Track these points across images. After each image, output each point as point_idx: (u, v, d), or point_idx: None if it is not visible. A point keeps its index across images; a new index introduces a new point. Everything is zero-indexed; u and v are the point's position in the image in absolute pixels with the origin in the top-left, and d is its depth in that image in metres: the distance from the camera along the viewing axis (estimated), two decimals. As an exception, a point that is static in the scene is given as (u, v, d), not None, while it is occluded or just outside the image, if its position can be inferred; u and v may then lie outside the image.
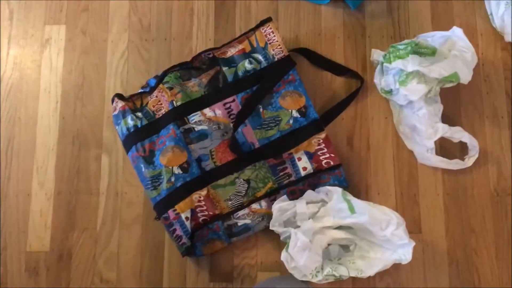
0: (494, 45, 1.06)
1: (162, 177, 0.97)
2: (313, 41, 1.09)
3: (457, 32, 0.97)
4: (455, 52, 0.95)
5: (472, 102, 1.04)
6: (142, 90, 1.02)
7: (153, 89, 1.01)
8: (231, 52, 1.02)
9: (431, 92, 0.97)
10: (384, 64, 0.99)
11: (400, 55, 0.95)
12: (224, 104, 1.00)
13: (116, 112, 1.00)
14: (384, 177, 1.02)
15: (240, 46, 1.02)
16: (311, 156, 0.99)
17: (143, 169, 0.98)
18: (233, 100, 1.00)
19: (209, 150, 0.98)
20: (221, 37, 1.10)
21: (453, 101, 1.03)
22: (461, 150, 1.01)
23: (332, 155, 0.99)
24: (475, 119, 1.03)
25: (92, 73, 1.10)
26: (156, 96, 1.00)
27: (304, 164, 0.99)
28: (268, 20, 1.03)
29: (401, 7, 1.08)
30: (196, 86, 1.01)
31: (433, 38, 1.00)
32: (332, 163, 0.99)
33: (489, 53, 1.06)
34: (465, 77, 0.94)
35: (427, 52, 0.96)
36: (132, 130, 0.99)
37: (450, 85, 0.97)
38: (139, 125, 0.99)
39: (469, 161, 0.99)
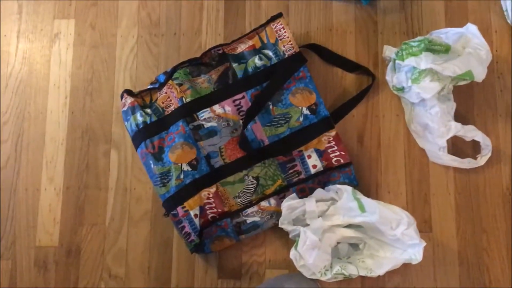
0: (509, 42, 1.04)
1: (171, 174, 0.96)
2: (324, 36, 1.08)
3: (471, 29, 0.95)
4: (469, 50, 0.93)
5: (486, 100, 1.02)
6: (151, 86, 1.01)
7: (162, 85, 1.00)
8: (241, 48, 1.01)
9: (444, 90, 0.96)
10: (397, 61, 0.97)
11: (413, 52, 0.93)
12: (234, 101, 0.99)
13: (125, 108, 1.00)
14: (394, 176, 1.01)
15: (250, 42, 1.01)
16: (321, 154, 0.98)
17: (152, 166, 0.97)
18: (243, 97, 0.99)
19: (218, 147, 0.98)
20: (231, 33, 1.08)
21: (466, 99, 1.02)
22: (473, 148, 1.00)
23: (343, 153, 0.98)
24: (488, 118, 1.02)
25: (101, 68, 1.09)
26: (166, 92, 0.99)
27: (314, 162, 0.98)
28: (278, 15, 1.02)
29: (414, 2, 1.07)
30: (205, 82, 1.00)
31: (446, 35, 0.98)
32: (342, 161, 0.98)
33: (504, 50, 1.04)
34: (480, 75, 0.92)
35: (441, 50, 0.94)
36: (141, 126, 0.98)
37: (464, 83, 0.96)
38: (148, 122, 0.98)
39: (482, 160, 0.98)
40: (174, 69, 1.00)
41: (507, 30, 1.04)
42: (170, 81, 0.99)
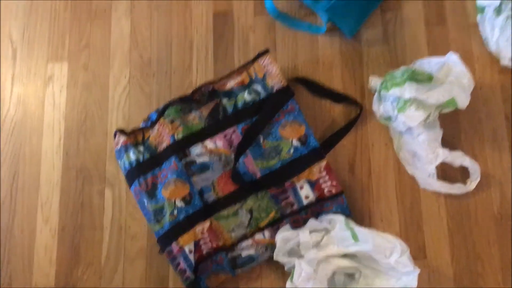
0: (491, 69, 1.07)
1: (165, 210, 0.97)
2: (311, 69, 1.10)
3: (453, 57, 0.98)
4: (452, 78, 0.96)
5: (472, 126, 1.04)
6: (143, 124, 1.03)
7: (154, 123, 1.02)
8: (231, 84, 1.04)
9: (430, 117, 0.98)
10: (382, 91, 1.00)
11: (397, 82, 0.96)
12: (225, 136, 1.01)
13: (118, 147, 1.02)
14: (387, 203, 1.02)
15: (239, 78, 1.04)
16: (313, 184, 0.99)
17: (146, 203, 0.98)
18: (234, 131, 1.01)
19: (211, 181, 0.99)
20: (221, 69, 1.11)
21: (453, 126, 1.04)
22: (462, 174, 1.01)
23: (334, 182, 0.99)
24: (475, 143, 1.04)
25: (95, 109, 1.11)
26: (158, 130, 1.01)
27: (306, 193, 0.99)
28: (265, 51, 1.05)
29: (397, 34, 1.10)
30: (196, 118, 1.02)
31: (429, 64, 1.01)
32: (334, 191, 0.99)
33: (486, 77, 1.06)
34: (463, 102, 0.95)
35: (424, 79, 0.97)
36: (134, 164, 1.00)
37: (448, 110, 0.98)
38: (141, 159, 1.00)
39: (471, 185, 0.99)
40: (166, 107, 1.03)
41: (488, 57, 1.07)
42: (161, 119, 1.01)
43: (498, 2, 1.00)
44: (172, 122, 1.01)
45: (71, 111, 1.12)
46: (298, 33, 1.12)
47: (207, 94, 1.04)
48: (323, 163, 1.00)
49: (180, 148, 0.99)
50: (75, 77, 1.13)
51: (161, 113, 1.02)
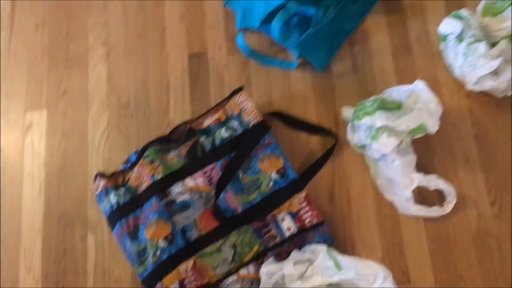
0: (458, 94, 1.11)
1: (148, 251, 0.97)
2: (286, 103, 1.13)
3: (420, 85, 1.02)
4: (420, 104, 0.99)
5: (444, 149, 1.07)
6: (123, 167, 1.05)
7: (134, 164, 1.03)
8: (207, 122, 1.06)
9: (403, 143, 1.01)
10: (354, 121, 1.03)
11: (368, 111, 0.99)
12: (205, 173, 1.02)
13: (98, 191, 1.02)
14: (367, 230, 1.04)
15: (216, 116, 1.06)
16: (294, 216, 1.01)
17: (128, 246, 0.98)
18: (213, 168, 1.03)
19: (192, 219, 1.00)
20: (198, 108, 1.14)
21: (426, 150, 1.07)
22: (439, 196, 1.04)
23: (315, 213, 1.01)
24: (448, 166, 1.06)
25: (74, 154, 1.12)
26: (137, 171, 1.02)
27: (288, 225, 1.00)
28: (240, 89, 1.08)
29: (366, 65, 1.14)
30: (175, 157, 1.03)
31: (398, 92, 1.05)
32: (315, 221, 1.00)
33: (454, 102, 1.10)
34: (432, 127, 0.98)
35: (393, 107, 1.00)
36: (115, 207, 1.00)
37: (420, 135, 1.01)
38: (122, 202, 1.00)
39: (448, 207, 1.01)
40: (145, 148, 1.04)
41: (455, 82, 1.11)
42: (141, 160, 1.03)
43: (459, 30, 1.05)
44: (151, 162, 1.02)
45: (50, 158, 1.13)
46: (271, 69, 1.16)
47: (185, 133, 1.06)
48: (302, 194, 1.01)
49: (160, 188, 1.00)
50: (54, 125, 1.15)
51: (140, 154, 1.03)
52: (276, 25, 1.07)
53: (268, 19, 1.10)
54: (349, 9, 1.14)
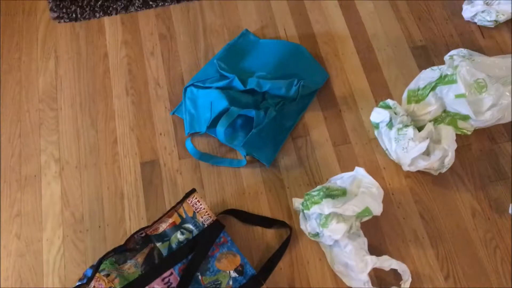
0: (398, 175, 1.18)
1: None
2: (239, 199, 1.17)
3: (360, 171, 1.09)
4: (363, 189, 1.05)
5: (393, 229, 1.12)
6: (79, 283, 1.03)
7: (90, 279, 1.01)
8: (163, 227, 1.07)
9: (353, 228, 1.05)
10: (305, 210, 1.07)
11: (315, 200, 1.04)
12: (163, 279, 1.02)
13: (54, 311, 0.99)
14: (332, 319, 1.04)
15: (170, 220, 1.08)
16: (257, 313, 1.00)
17: None
18: (171, 273, 1.02)
19: (154, 329, 0.98)
20: (153, 214, 1.16)
21: (376, 232, 1.11)
22: (395, 276, 1.06)
23: (277, 307, 1.01)
24: (399, 244, 1.11)
25: (29, 275, 1.10)
26: (94, 286, 1.01)
27: (252, 323, 0.99)
28: (192, 191, 1.11)
29: (310, 157, 1.21)
30: (132, 267, 1.03)
31: (342, 179, 1.11)
32: (278, 316, 1.00)
33: (395, 183, 1.17)
34: (376, 209, 1.03)
35: (339, 193, 1.06)
36: (72, 326, 0.97)
37: (367, 218, 1.06)
38: (79, 320, 0.98)
39: (405, 285, 1.04)
40: (100, 261, 1.03)
41: (393, 165, 1.19)
42: (97, 274, 1.01)
43: (388, 118, 1.15)
44: (108, 275, 1.01)
45: (5, 282, 1.09)
46: (221, 168, 1.21)
47: (140, 241, 1.06)
48: (263, 290, 1.02)
49: (118, 301, 0.99)
50: (8, 248, 1.13)
51: (96, 268, 1.02)
52: (221, 129, 1.14)
53: (213, 123, 1.17)
54: (287, 108, 1.24)
